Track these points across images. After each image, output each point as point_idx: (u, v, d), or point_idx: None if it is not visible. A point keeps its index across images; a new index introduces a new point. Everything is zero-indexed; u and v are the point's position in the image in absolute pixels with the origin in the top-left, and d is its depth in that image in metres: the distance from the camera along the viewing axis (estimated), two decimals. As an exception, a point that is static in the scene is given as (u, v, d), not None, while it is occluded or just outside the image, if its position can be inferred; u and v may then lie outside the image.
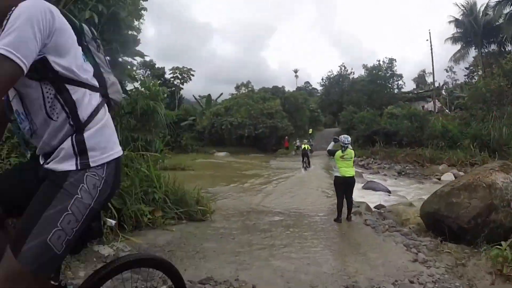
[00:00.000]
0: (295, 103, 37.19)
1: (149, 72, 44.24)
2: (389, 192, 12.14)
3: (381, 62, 34.96)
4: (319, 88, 48.32)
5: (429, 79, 46.85)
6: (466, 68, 34.77)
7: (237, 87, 53.89)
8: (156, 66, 45.05)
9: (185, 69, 46.70)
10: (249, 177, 14.16)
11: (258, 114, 31.29)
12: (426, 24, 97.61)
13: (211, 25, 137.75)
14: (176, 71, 46.13)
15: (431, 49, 32.03)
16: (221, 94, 41.54)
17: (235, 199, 9.20)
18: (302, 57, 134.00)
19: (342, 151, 6.26)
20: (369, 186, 12.32)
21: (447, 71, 41.33)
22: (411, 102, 34.63)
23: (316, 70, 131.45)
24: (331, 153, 6.54)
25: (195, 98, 41.35)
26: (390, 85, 34.44)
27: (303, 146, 18.41)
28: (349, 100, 32.95)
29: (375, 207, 8.31)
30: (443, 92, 39.11)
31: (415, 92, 39.13)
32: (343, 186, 6.28)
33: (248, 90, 51.21)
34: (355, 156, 6.78)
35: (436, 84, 42.08)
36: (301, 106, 37.85)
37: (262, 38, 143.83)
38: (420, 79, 50.37)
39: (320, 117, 48.77)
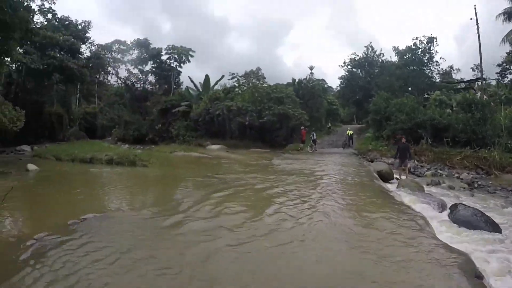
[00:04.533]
0: (311, 90, 31.05)
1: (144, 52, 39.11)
2: (498, 230, 6.16)
3: (417, 42, 28.06)
4: (338, 80, 41.33)
5: (457, 76, 40.14)
6: (499, 64, 28.39)
7: (246, 75, 47.76)
8: (152, 46, 39.49)
9: (183, 48, 40.93)
10: (220, 190, 7.77)
11: (264, 98, 24.71)
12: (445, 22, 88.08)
13: (227, 20, 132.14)
14: (173, 50, 40.41)
15: (478, 28, 25.07)
16: (223, 76, 35.35)
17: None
18: (318, 56, 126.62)
19: None
20: (461, 218, 6.31)
21: (472, 69, 35.85)
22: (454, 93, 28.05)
23: (331, 70, 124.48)
24: None
25: (191, 80, 35.30)
26: (429, 70, 27.72)
27: (348, 132, 24.31)
28: (379, 84, 26.32)
29: None
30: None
31: (462, 80, 32.02)
32: None
33: (258, 76, 45.32)
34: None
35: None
36: (318, 94, 31.67)
37: (278, 35, 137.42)
38: (446, 76, 43.76)
39: (339, 111, 42.93)
